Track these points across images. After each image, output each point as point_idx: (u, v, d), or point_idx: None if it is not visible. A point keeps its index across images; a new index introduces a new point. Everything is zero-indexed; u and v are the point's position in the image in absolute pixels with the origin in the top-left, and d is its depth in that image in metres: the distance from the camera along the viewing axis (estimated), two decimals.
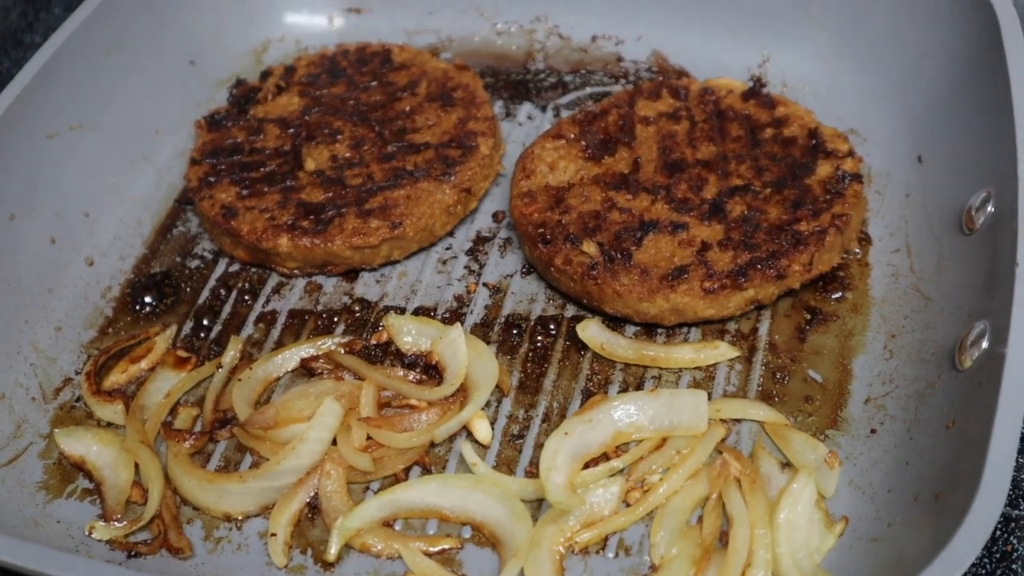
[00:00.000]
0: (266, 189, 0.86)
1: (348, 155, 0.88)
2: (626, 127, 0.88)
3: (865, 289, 0.81)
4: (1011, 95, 0.75)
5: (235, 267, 0.87)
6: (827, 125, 0.87)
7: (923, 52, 0.87)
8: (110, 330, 0.83)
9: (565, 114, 0.95)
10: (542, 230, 0.82)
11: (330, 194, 0.85)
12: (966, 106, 0.82)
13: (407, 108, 0.92)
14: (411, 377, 0.78)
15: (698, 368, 0.77)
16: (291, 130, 0.91)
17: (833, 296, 0.80)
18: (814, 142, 0.86)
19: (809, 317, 0.79)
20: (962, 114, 0.83)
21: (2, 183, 0.82)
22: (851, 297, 0.80)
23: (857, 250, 0.83)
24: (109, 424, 0.77)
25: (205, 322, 0.83)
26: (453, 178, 0.85)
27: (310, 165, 0.88)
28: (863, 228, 0.84)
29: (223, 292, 0.85)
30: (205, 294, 0.85)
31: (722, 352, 0.78)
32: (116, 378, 0.80)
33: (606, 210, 0.82)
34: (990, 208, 0.74)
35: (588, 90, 0.98)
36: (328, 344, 0.80)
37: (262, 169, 0.88)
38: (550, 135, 0.88)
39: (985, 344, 0.67)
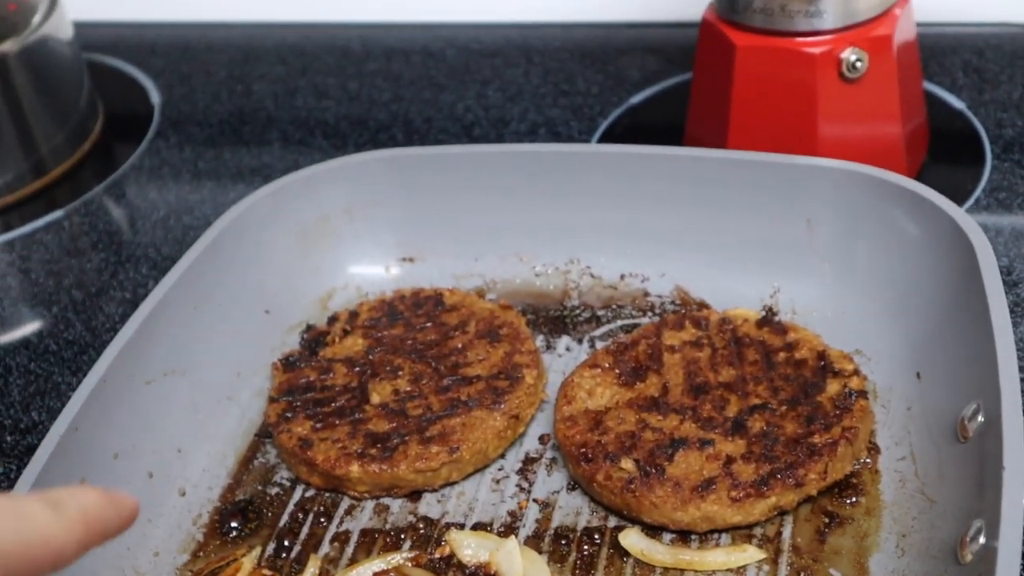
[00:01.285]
0: (337, 422, 0.97)
1: (409, 389, 1.00)
2: (655, 355, 0.99)
3: (876, 494, 0.90)
4: (990, 316, 0.86)
5: (311, 493, 0.96)
6: (834, 347, 0.98)
7: (914, 280, 0.98)
8: (201, 553, 0.93)
9: (599, 345, 1.06)
10: (584, 450, 0.92)
11: (394, 424, 0.96)
12: (955, 327, 0.92)
13: (459, 345, 1.03)
14: None
15: (729, 570, 0.86)
16: (357, 368, 1.02)
17: (848, 501, 0.89)
18: (823, 363, 0.96)
19: (828, 520, 0.88)
20: (952, 334, 0.92)
21: (107, 425, 0.92)
22: (864, 501, 0.89)
23: (867, 459, 0.92)
24: None
25: (286, 543, 0.93)
26: (503, 406, 0.96)
27: (375, 399, 0.99)
28: (871, 439, 0.93)
29: (301, 516, 0.95)
30: (285, 518, 0.95)
31: (750, 555, 0.86)
32: None
33: (640, 430, 0.93)
34: (980, 418, 0.84)
35: (619, 323, 1.08)
36: (396, 559, 0.89)
37: (333, 404, 0.99)
38: (587, 365, 1.00)
39: (982, 540, 0.76)
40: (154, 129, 1.50)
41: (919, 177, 1.21)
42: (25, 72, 1.39)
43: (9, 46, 1.37)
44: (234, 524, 0.95)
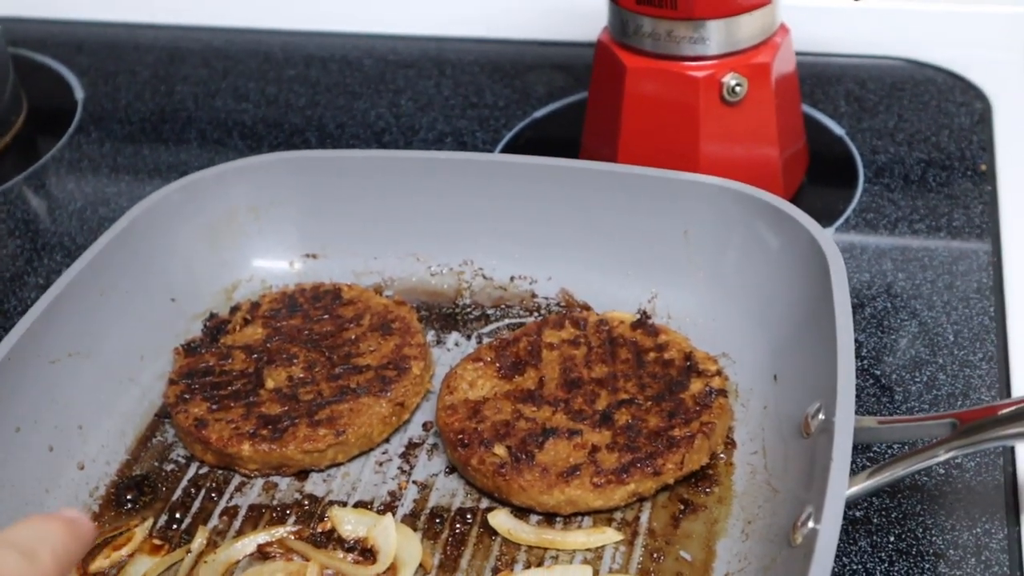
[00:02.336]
0: (232, 404, 1.02)
1: (302, 375, 1.05)
2: (534, 351, 1.06)
3: (729, 484, 0.96)
4: (835, 325, 0.93)
5: (204, 470, 1.01)
6: (701, 350, 1.05)
7: (776, 291, 1.05)
8: (97, 523, 0.97)
9: (487, 341, 1.12)
10: (461, 436, 0.98)
11: (286, 408, 1.01)
12: (809, 335, 0.99)
13: (353, 336, 1.09)
14: (350, 559, 0.92)
15: (589, 550, 0.92)
16: (255, 355, 1.08)
17: (703, 490, 0.96)
18: (689, 364, 1.03)
19: (683, 507, 0.95)
20: (806, 341, 0.99)
21: (11, 401, 0.97)
22: (718, 491, 0.96)
23: (723, 453, 0.99)
24: None
25: (177, 516, 0.97)
26: (389, 394, 1.02)
27: (270, 384, 1.04)
28: (729, 435, 1.00)
29: (193, 491, 1.00)
30: (178, 492, 1.00)
31: (609, 537, 0.93)
32: (100, 563, 0.93)
33: (515, 419, 0.99)
34: (820, 416, 0.91)
35: (507, 321, 1.15)
36: (281, 532, 0.94)
37: (229, 388, 1.04)
38: (471, 358, 1.05)
39: (810, 524, 0.83)
40: (76, 124, 1.54)
41: (796, 197, 1.29)
42: None
43: None
44: (129, 497, 0.99)
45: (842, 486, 0.81)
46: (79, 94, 1.60)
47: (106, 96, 1.59)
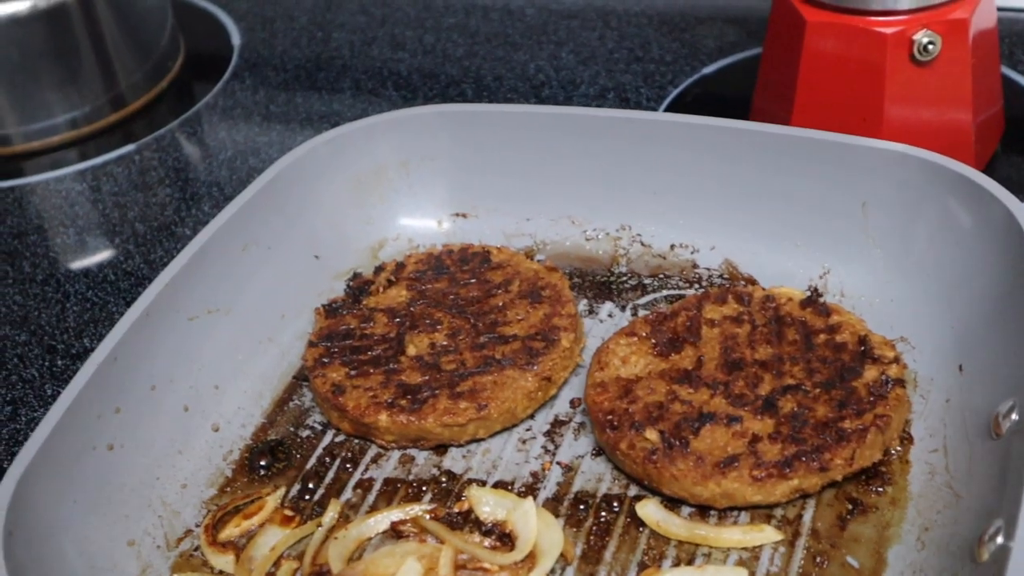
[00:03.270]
0: (371, 371, 0.97)
1: (445, 343, 0.99)
2: (693, 328, 0.98)
3: (904, 484, 0.87)
4: None
5: (340, 438, 0.97)
6: (877, 333, 0.96)
7: (966, 272, 0.95)
8: (228, 489, 0.94)
9: (642, 313, 1.05)
10: (611, 417, 0.91)
11: (427, 377, 0.96)
12: (1001, 323, 0.89)
13: (500, 303, 1.03)
14: (486, 543, 0.87)
15: (745, 548, 0.85)
16: (397, 319, 1.03)
17: (874, 489, 0.87)
18: (863, 348, 0.94)
19: (851, 507, 0.86)
20: (998, 330, 0.90)
21: (148, 358, 0.94)
22: (890, 491, 0.87)
23: (899, 448, 0.90)
24: (221, 572, 0.87)
25: (311, 486, 0.93)
26: (536, 367, 0.96)
27: (411, 351, 0.99)
28: (906, 428, 0.91)
29: (328, 460, 0.96)
30: (312, 461, 0.96)
31: (767, 535, 0.85)
32: (230, 531, 0.90)
33: (669, 401, 0.92)
34: (1014, 416, 0.81)
35: (665, 292, 1.07)
36: (415, 510, 0.89)
37: (369, 353, 0.99)
38: (624, 332, 0.98)
39: (999, 540, 0.74)
40: (231, 70, 1.52)
41: (989, 166, 1.18)
42: (109, 8, 1.41)
43: None
44: (263, 463, 0.96)
45: None
46: (236, 40, 1.58)
47: (262, 42, 1.56)
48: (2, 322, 1.16)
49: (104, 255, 1.24)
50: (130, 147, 1.40)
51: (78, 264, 1.23)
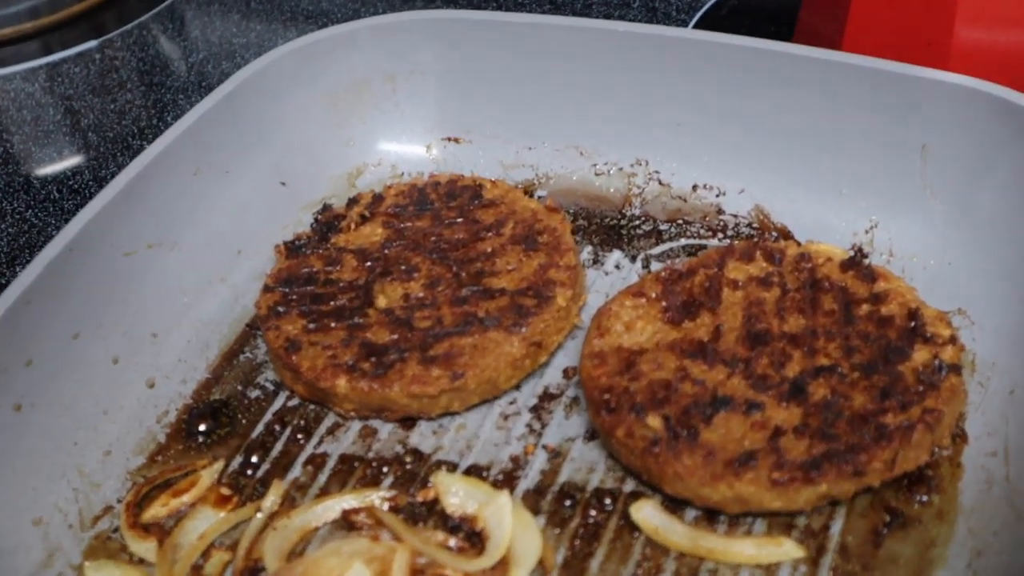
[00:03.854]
0: (333, 324, 0.85)
1: (421, 295, 0.87)
2: (712, 290, 0.84)
3: (954, 494, 0.75)
4: None
5: (294, 402, 0.85)
6: (931, 306, 0.82)
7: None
8: (159, 458, 0.82)
9: (655, 266, 0.92)
10: (608, 396, 0.78)
11: (396, 336, 0.83)
12: None
13: (489, 249, 0.90)
14: (451, 543, 0.75)
15: (759, 566, 0.72)
16: (368, 263, 0.90)
17: (918, 498, 0.75)
18: (913, 324, 0.80)
19: (888, 519, 0.74)
20: None
21: (72, 300, 0.82)
22: (937, 502, 0.74)
23: (949, 448, 0.77)
24: (141, 560, 0.76)
25: (254, 459, 0.81)
26: (524, 330, 0.82)
27: (381, 302, 0.86)
28: (959, 423, 0.78)
29: (277, 428, 0.83)
30: (259, 428, 0.84)
31: (786, 551, 0.72)
32: (156, 511, 0.78)
33: (678, 380, 0.78)
34: None
35: (683, 241, 0.95)
36: (372, 498, 0.77)
37: (332, 303, 0.87)
38: (631, 292, 0.85)
39: None
40: None
41: None
42: None
43: None
44: (202, 428, 0.84)
45: None
46: None
47: None
48: None
49: (50, 168, 1.12)
50: (92, 43, 1.28)
51: (18, 176, 1.11)
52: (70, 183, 1.08)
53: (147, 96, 1.18)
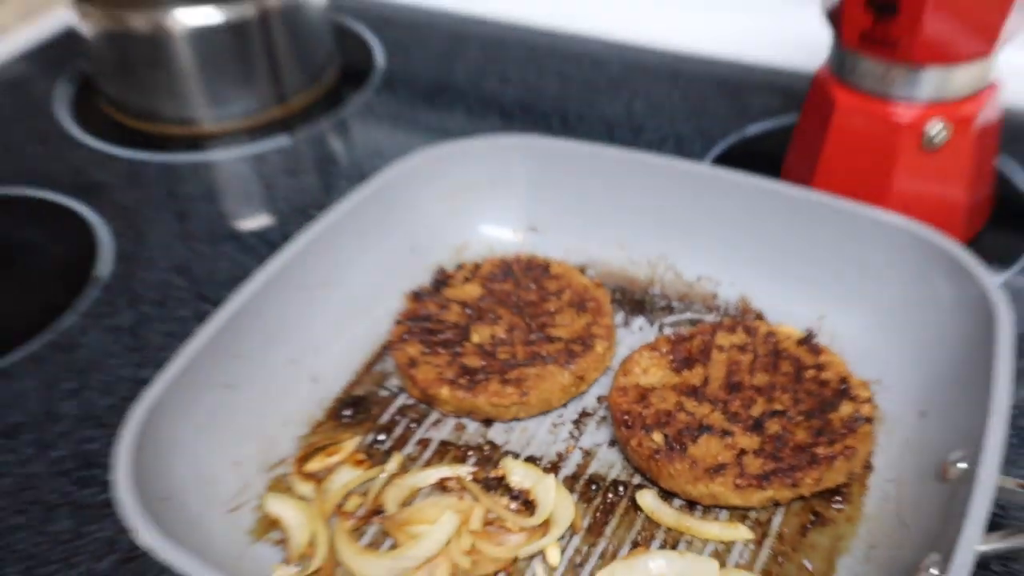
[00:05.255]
0: (440, 350, 0.94)
1: (503, 336, 0.95)
2: (705, 351, 0.93)
3: (860, 505, 0.82)
4: (994, 378, 0.77)
5: (410, 401, 0.94)
6: (856, 376, 0.90)
7: (939, 333, 0.89)
8: (318, 430, 0.91)
9: (667, 331, 1.00)
10: (627, 417, 0.86)
11: (484, 363, 0.92)
12: (962, 382, 0.83)
13: (552, 308, 0.98)
14: (512, 507, 0.83)
15: (721, 542, 0.80)
16: (468, 311, 0.99)
17: (835, 506, 0.82)
18: (843, 387, 0.88)
19: (813, 519, 0.81)
20: (958, 387, 0.83)
21: (265, 319, 0.92)
22: (848, 509, 0.82)
23: (860, 473, 0.84)
24: (302, 497, 0.85)
25: (381, 437, 0.90)
26: (572, 367, 0.91)
27: (475, 339, 0.95)
28: (868, 459, 0.85)
29: (398, 418, 0.92)
30: (386, 416, 0.93)
31: (740, 533, 0.80)
32: (314, 465, 0.87)
33: (676, 411, 0.87)
34: (961, 465, 0.75)
35: (688, 315, 1.01)
36: (461, 471, 0.86)
37: (441, 336, 0.96)
38: (648, 347, 0.93)
39: (933, 571, 0.68)
40: (374, 84, 1.48)
41: (976, 239, 1.10)
42: (283, 25, 1.39)
43: (273, 2, 1.36)
44: (347, 412, 0.93)
45: (974, 542, 0.66)
46: (380, 60, 1.54)
47: (400, 65, 1.53)
48: (169, 268, 1.15)
49: (252, 224, 1.22)
50: (287, 139, 1.37)
51: (230, 229, 1.21)
52: (265, 236, 1.18)
53: (321, 179, 1.27)
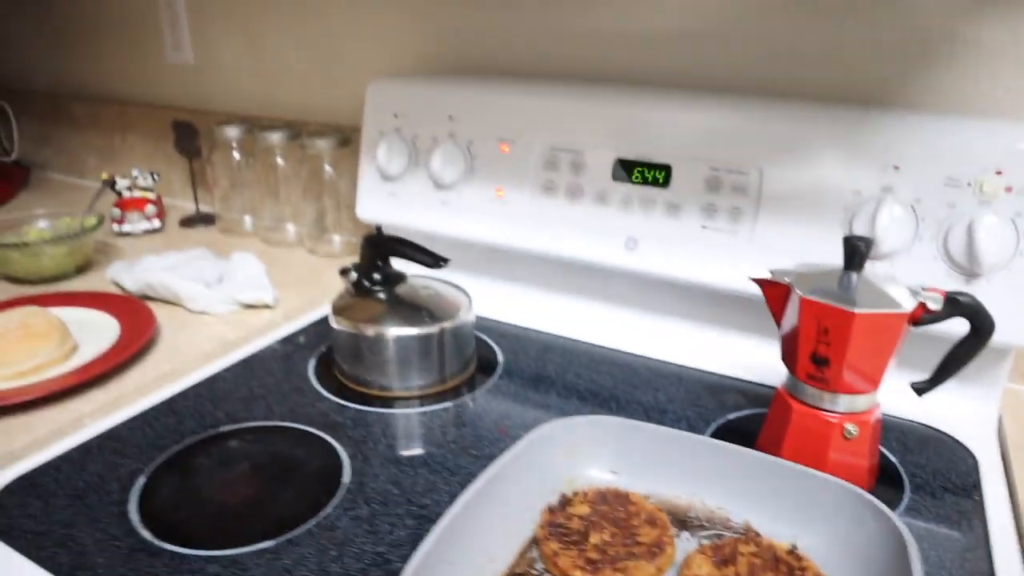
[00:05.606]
0: (571, 547, 1.05)
1: (608, 539, 1.08)
2: (733, 555, 1.04)
3: None
4: None
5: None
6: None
7: (869, 556, 1.01)
8: None
9: (704, 542, 1.11)
10: None
11: (599, 556, 1.04)
12: None
13: (635, 523, 1.11)
14: None
15: None
16: (585, 522, 1.12)
17: None
18: None
19: None
20: None
21: (464, 532, 1.03)
22: None
23: None
24: None
25: None
26: (656, 562, 1.03)
27: (593, 540, 1.08)
28: None
29: None
30: None
31: None
32: None
33: None
34: None
35: (714, 531, 1.13)
36: None
37: (570, 538, 1.08)
38: (698, 551, 1.05)
39: None
40: (497, 375, 1.66)
41: (874, 492, 1.25)
42: (451, 336, 1.60)
43: (447, 324, 1.59)
44: None
45: None
46: (500, 358, 1.73)
47: (514, 364, 1.70)
48: (387, 480, 1.24)
49: (436, 455, 1.33)
50: (449, 404, 1.52)
51: (423, 458, 1.32)
52: (444, 463, 1.29)
53: (471, 431, 1.41)
